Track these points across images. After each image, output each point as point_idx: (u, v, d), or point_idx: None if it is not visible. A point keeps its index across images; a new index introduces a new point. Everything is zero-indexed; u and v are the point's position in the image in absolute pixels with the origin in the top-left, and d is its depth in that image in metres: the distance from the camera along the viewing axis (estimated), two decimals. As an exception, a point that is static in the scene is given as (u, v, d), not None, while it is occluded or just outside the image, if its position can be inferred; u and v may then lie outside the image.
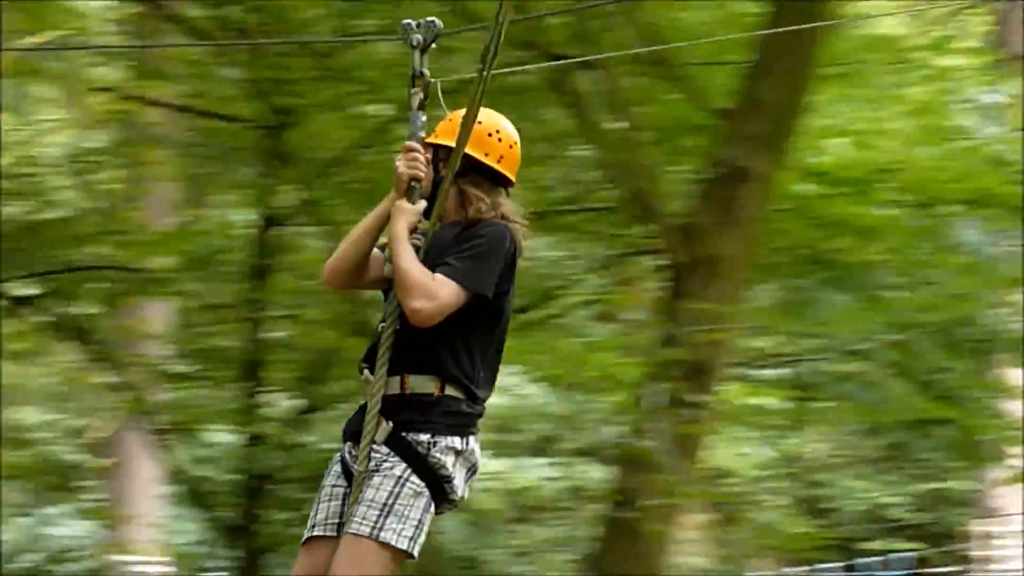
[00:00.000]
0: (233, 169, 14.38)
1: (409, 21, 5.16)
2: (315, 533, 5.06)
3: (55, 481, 19.79)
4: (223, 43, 12.65)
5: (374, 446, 4.96)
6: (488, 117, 5.17)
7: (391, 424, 4.95)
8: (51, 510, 21.47)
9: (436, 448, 4.95)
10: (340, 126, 12.91)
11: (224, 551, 14.22)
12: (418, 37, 5.12)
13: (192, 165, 15.16)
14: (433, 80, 5.13)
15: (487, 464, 9.52)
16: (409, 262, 4.94)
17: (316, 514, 5.07)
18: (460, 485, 5.04)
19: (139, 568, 17.39)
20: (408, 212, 5.03)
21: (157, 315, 16.24)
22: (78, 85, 15.69)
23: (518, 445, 18.70)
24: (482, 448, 5.19)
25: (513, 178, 5.21)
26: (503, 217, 5.12)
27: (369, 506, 4.91)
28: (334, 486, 5.09)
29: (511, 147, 5.19)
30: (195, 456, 14.37)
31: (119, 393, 14.81)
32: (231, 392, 13.86)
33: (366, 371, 5.05)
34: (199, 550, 16.27)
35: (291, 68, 12.26)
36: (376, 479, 4.93)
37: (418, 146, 5.09)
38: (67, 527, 20.99)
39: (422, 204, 5.08)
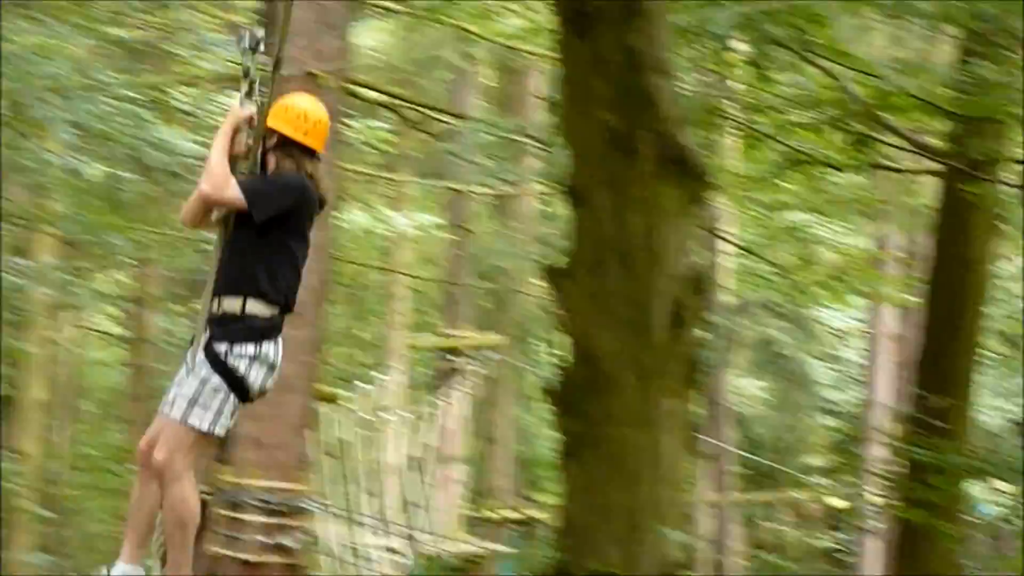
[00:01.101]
0: None
1: (244, 30, 6.86)
2: (163, 409, 6.70)
3: None
4: None
5: (199, 352, 6.62)
6: (297, 102, 6.82)
7: (207, 336, 6.64)
8: None
9: (231, 355, 6.61)
10: None
11: None
12: (245, 44, 6.77)
13: None
14: (254, 77, 6.76)
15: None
16: (219, 155, 6.61)
17: (166, 393, 6.74)
18: (256, 382, 6.66)
19: None
20: (235, 112, 6.72)
21: None
22: None
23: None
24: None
25: (319, 148, 6.80)
26: (309, 176, 6.75)
27: (182, 397, 6.62)
28: (179, 379, 6.69)
29: (315, 124, 6.78)
30: None
31: None
32: None
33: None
34: None
35: None
36: (189, 377, 6.63)
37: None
38: None
39: (249, 109, 6.71)
